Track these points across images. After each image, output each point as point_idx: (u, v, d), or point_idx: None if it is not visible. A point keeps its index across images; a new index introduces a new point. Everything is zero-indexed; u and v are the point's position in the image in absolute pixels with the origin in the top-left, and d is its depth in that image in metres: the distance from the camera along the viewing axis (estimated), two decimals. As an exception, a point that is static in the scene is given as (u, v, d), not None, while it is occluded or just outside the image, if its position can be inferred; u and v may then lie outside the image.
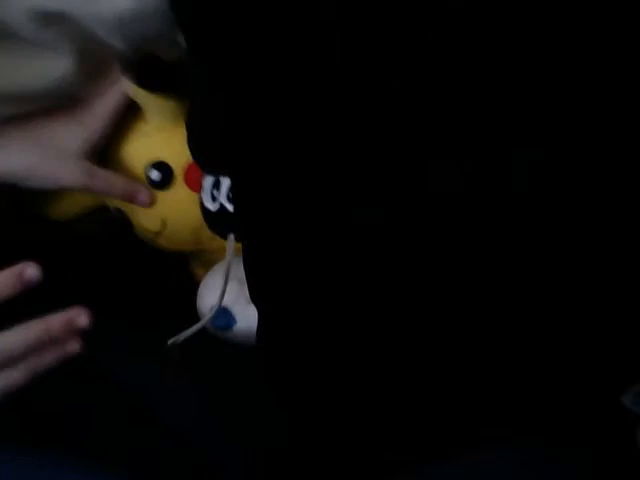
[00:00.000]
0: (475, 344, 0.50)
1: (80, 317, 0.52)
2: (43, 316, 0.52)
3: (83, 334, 0.53)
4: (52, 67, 0.63)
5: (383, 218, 0.49)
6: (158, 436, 0.55)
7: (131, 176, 0.67)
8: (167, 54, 0.61)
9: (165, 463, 0.54)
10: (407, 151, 0.48)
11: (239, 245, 0.61)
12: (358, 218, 0.50)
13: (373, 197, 0.49)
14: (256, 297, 0.56)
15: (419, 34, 0.46)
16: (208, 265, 0.70)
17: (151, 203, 0.66)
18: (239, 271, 0.63)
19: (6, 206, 0.69)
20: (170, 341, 0.62)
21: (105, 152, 0.67)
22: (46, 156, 0.64)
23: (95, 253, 0.69)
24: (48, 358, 0.51)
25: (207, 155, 0.63)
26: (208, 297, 0.66)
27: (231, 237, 0.63)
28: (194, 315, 0.66)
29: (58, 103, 0.65)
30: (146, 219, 0.67)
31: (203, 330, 0.65)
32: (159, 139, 0.66)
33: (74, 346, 0.52)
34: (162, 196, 0.66)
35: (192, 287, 0.69)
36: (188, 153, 0.65)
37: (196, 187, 0.65)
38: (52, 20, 0.58)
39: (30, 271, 0.51)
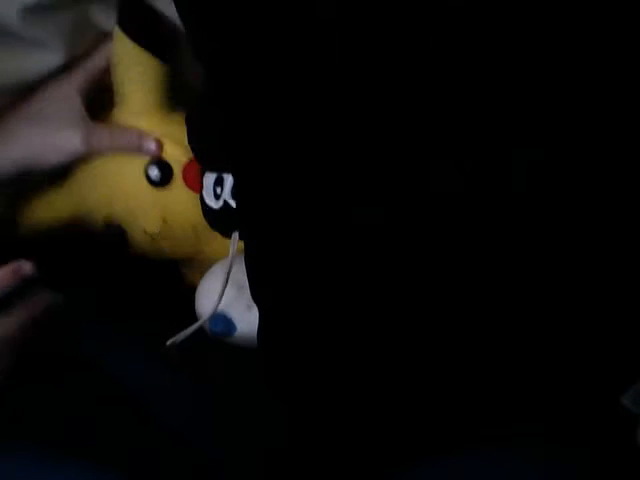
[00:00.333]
0: (475, 344, 0.50)
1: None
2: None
3: (83, 335, 0.54)
4: (40, 62, 0.63)
5: (383, 218, 0.49)
6: (158, 436, 0.55)
7: (130, 177, 0.66)
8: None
9: (165, 463, 0.54)
10: (407, 151, 0.48)
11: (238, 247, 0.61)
12: (358, 218, 0.50)
13: (373, 197, 0.49)
14: (257, 296, 0.56)
15: (419, 34, 0.46)
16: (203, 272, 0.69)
17: (159, 149, 0.65)
18: (237, 275, 0.63)
19: (6, 207, 0.69)
20: (169, 342, 0.62)
21: (104, 154, 0.66)
22: (40, 133, 0.64)
23: (95, 253, 0.68)
24: None
25: (208, 152, 0.62)
26: (206, 300, 0.66)
27: (235, 235, 0.62)
28: (193, 316, 0.66)
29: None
30: (146, 220, 0.67)
31: (202, 331, 0.65)
32: (158, 137, 0.66)
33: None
34: (162, 195, 0.66)
35: (191, 288, 0.68)
36: (186, 151, 0.65)
37: (194, 185, 0.65)
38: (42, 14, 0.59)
39: (26, 267, 0.55)
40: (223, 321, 0.65)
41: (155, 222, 0.67)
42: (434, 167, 0.48)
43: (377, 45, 0.46)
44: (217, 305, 0.63)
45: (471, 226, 0.48)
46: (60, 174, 0.68)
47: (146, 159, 0.66)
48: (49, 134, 0.64)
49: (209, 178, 0.63)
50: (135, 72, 0.65)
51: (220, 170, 0.62)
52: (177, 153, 0.66)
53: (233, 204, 0.61)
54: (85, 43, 0.65)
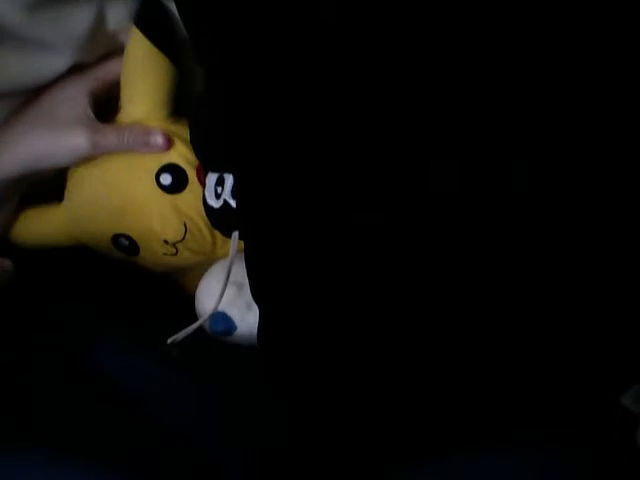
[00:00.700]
0: (475, 344, 0.50)
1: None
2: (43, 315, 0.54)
3: (83, 335, 0.53)
4: (47, 65, 0.63)
5: (383, 218, 0.49)
6: (158, 436, 0.55)
7: (143, 186, 0.65)
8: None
9: (165, 463, 0.54)
10: (407, 151, 0.48)
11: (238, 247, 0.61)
12: (358, 218, 0.50)
13: (373, 197, 0.49)
14: (257, 295, 0.56)
15: (419, 35, 0.46)
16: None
17: (169, 143, 0.64)
18: (237, 274, 0.63)
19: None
20: (169, 340, 0.62)
21: (112, 165, 0.66)
22: (45, 133, 0.63)
23: (94, 254, 0.68)
24: None
25: (210, 152, 0.62)
26: (206, 299, 0.65)
27: (235, 234, 0.62)
28: (193, 315, 0.66)
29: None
30: (168, 228, 0.65)
31: (202, 330, 0.65)
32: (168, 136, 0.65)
33: None
34: (179, 200, 0.65)
35: (191, 290, 0.68)
36: None
37: None
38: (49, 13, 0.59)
39: (6, 264, 0.56)
40: (223, 320, 0.65)
41: (177, 229, 0.65)
42: (434, 167, 0.48)
43: (378, 48, 0.46)
44: (218, 304, 0.63)
45: (471, 226, 0.48)
46: (61, 188, 0.68)
47: (157, 167, 0.65)
48: (54, 134, 0.63)
49: (211, 178, 0.63)
50: (147, 71, 0.64)
51: (222, 170, 0.62)
52: (189, 154, 0.65)
53: (233, 203, 0.61)
54: (96, 48, 0.64)
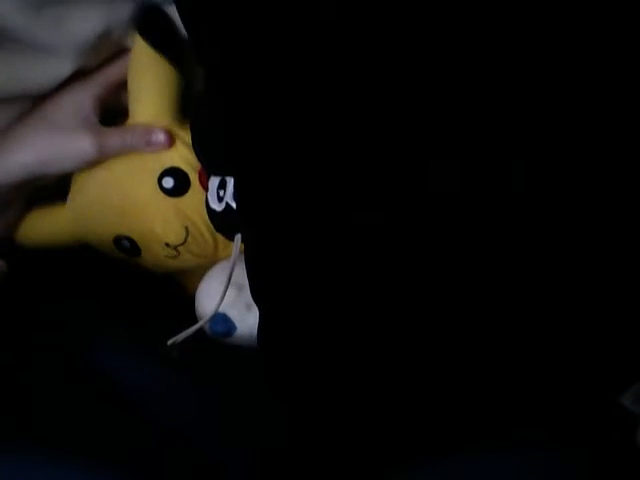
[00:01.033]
0: (474, 344, 0.50)
1: None
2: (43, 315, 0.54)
3: (83, 335, 0.54)
4: (52, 69, 0.63)
5: (383, 218, 0.49)
6: (158, 436, 0.55)
7: (145, 188, 0.65)
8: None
9: (165, 463, 0.54)
10: (407, 151, 0.48)
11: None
12: (358, 218, 0.50)
13: (373, 197, 0.49)
14: (257, 296, 0.56)
15: (419, 35, 0.46)
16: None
17: (171, 141, 0.64)
18: (237, 276, 0.63)
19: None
20: (169, 341, 0.62)
21: (115, 167, 0.66)
22: (49, 138, 0.64)
23: (95, 254, 0.68)
24: None
25: (211, 156, 0.62)
26: (206, 300, 0.66)
27: (238, 237, 0.62)
28: (194, 316, 0.66)
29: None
30: (169, 231, 0.66)
31: (202, 331, 0.65)
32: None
33: None
34: (181, 203, 0.65)
35: (191, 291, 0.68)
36: None
37: None
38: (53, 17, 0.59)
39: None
40: (223, 321, 0.65)
41: (178, 232, 0.66)
42: (434, 167, 0.48)
43: (378, 48, 0.46)
44: (219, 305, 0.63)
45: (471, 226, 0.48)
46: (65, 190, 0.68)
47: (159, 170, 0.65)
48: (58, 138, 0.64)
49: (214, 181, 0.63)
50: (151, 76, 0.65)
51: (224, 174, 0.62)
52: (192, 158, 0.65)
53: (234, 206, 0.61)
54: (100, 53, 0.65)
